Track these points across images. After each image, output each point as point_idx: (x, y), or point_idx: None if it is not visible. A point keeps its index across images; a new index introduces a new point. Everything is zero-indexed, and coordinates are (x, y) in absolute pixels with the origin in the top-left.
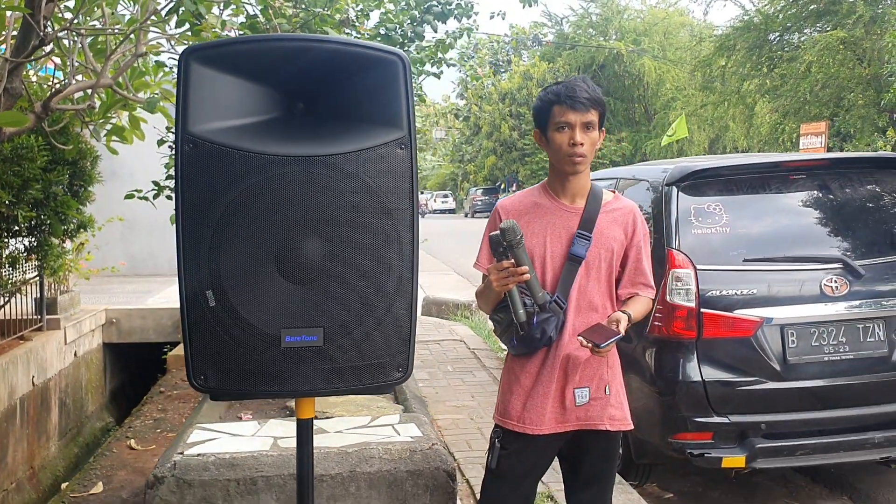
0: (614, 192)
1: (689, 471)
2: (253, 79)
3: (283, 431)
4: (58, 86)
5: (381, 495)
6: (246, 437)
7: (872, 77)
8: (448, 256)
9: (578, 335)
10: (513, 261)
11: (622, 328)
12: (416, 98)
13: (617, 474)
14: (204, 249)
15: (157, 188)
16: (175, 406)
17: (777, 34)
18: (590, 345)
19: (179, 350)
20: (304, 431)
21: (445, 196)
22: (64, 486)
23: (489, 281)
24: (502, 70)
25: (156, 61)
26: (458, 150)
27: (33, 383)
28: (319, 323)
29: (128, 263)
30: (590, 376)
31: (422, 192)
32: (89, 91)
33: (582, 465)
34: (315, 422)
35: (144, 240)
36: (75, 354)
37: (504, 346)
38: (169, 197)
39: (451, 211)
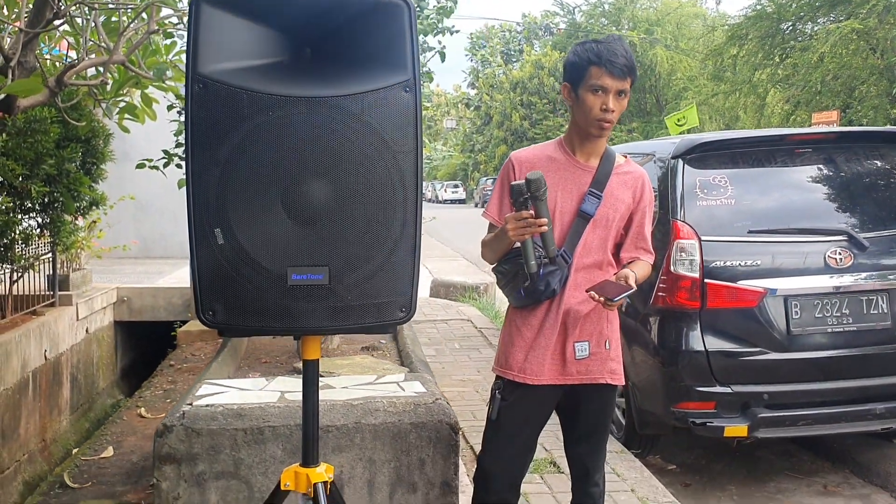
0: (626, 156)
1: (692, 443)
2: (261, 21)
3: (290, 387)
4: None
5: (385, 446)
6: (254, 391)
7: (885, 67)
8: (457, 243)
9: (588, 289)
10: (532, 212)
11: (632, 283)
12: (422, 76)
13: (620, 444)
14: (212, 188)
15: (167, 157)
16: (185, 378)
17: (790, 24)
18: (602, 299)
19: (189, 326)
20: (310, 371)
21: (456, 186)
22: (75, 450)
23: (500, 231)
24: (514, 59)
25: (169, 41)
26: (468, 139)
27: (45, 357)
28: (325, 262)
29: (139, 245)
30: (590, 331)
31: (433, 181)
32: (101, 68)
33: (580, 418)
34: (321, 379)
35: (156, 222)
36: (87, 331)
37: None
38: (179, 165)
39: (462, 201)
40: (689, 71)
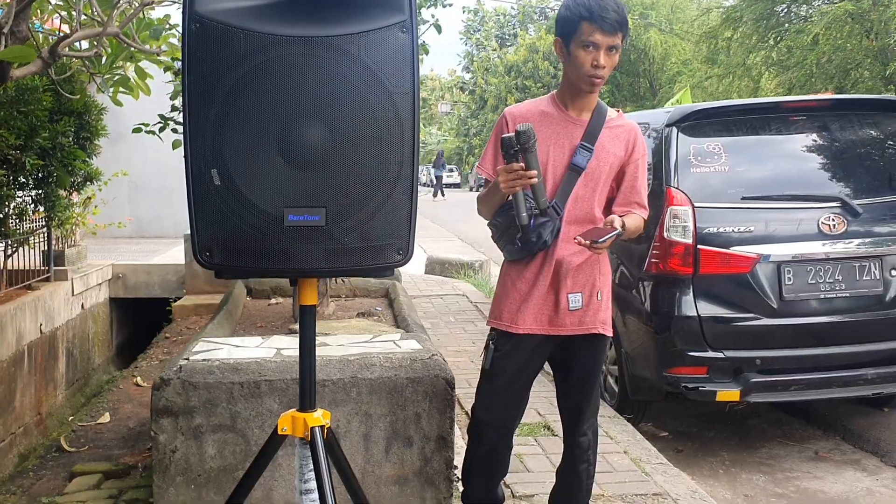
0: (619, 110)
1: (683, 412)
2: None
3: (286, 344)
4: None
5: (381, 401)
6: (250, 347)
7: (879, 50)
8: (452, 225)
9: (576, 236)
10: (523, 164)
11: (617, 226)
12: (419, 50)
13: (613, 409)
14: (208, 128)
15: (162, 121)
16: (180, 349)
17: (784, 6)
18: (587, 242)
19: (185, 300)
20: (307, 317)
21: (451, 170)
22: (70, 418)
23: (493, 184)
24: (508, 43)
25: (164, 15)
26: (463, 123)
27: (41, 331)
28: (322, 203)
29: (134, 225)
30: (583, 282)
31: (427, 165)
32: (95, 41)
33: (573, 368)
34: (318, 338)
35: (151, 202)
36: (82, 307)
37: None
38: (174, 130)
39: (457, 185)
40: (683, 55)
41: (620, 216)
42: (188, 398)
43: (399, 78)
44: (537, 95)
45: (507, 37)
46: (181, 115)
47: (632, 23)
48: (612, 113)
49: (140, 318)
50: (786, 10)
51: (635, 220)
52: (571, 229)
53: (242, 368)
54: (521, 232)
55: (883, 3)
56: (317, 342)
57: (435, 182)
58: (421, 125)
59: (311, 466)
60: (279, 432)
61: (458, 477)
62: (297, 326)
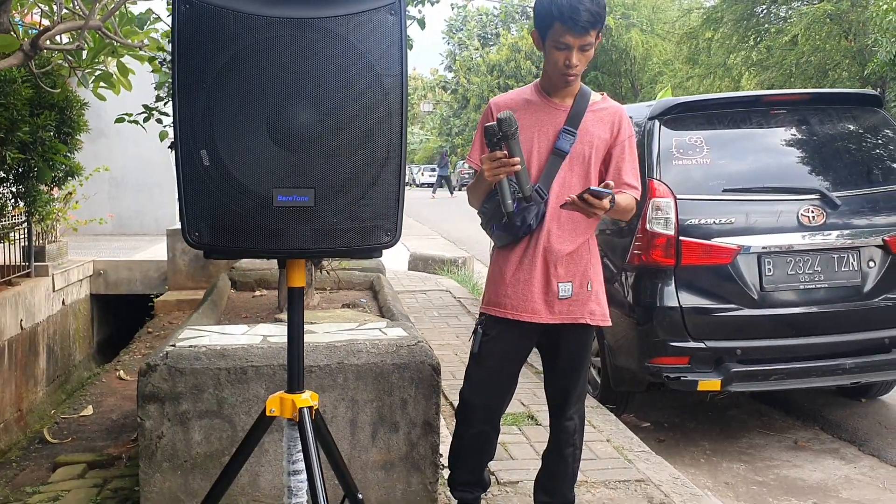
0: (603, 94)
1: (665, 403)
2: None
3: (272, 331)
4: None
5: (367, 386)
6: (236, 335)
7: (858, 50)
8: (435, 223)
9: (563, 205)
10: (506, 152)
11: (611, 192)
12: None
13: (596, 400)
14: (198, 109)
15: (147, 111)
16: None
17: (764, 7)
18: (573, 197)
19: (167, 296)
20: (295, 298)
21: (433, 169)
22: (53, 411)
23: (480, 173)
24: (491, 43)
25: (146, 9)
26: (445, 123)
27: (21, 326)
28: (311, 184)
29: (115, 221)
30: (573, 272)
31: (410, 165)
32: (76, 33)
33: (559, 355)
34: (305, 326)
35: (132, 198)
36: (63, 303)
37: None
38: (159, 120)
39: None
40: (664, 55)
41: None
42: (174, 384)
43: (387, 60)
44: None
45: (489, 36)
46: (166, 104)
47: (613, 23)
48: (595, 96)
49: (121, 315)
50: (765, 10)
51: (626, 198)
52: (556, 214)
53: (229, 354)
54: (507, 217)
55: (861, 4)
56: (304, 329)
57: (442, 182)
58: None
59: (300, 447)
60: (267, 413)
61: (444, 465)
62: (282, 315)
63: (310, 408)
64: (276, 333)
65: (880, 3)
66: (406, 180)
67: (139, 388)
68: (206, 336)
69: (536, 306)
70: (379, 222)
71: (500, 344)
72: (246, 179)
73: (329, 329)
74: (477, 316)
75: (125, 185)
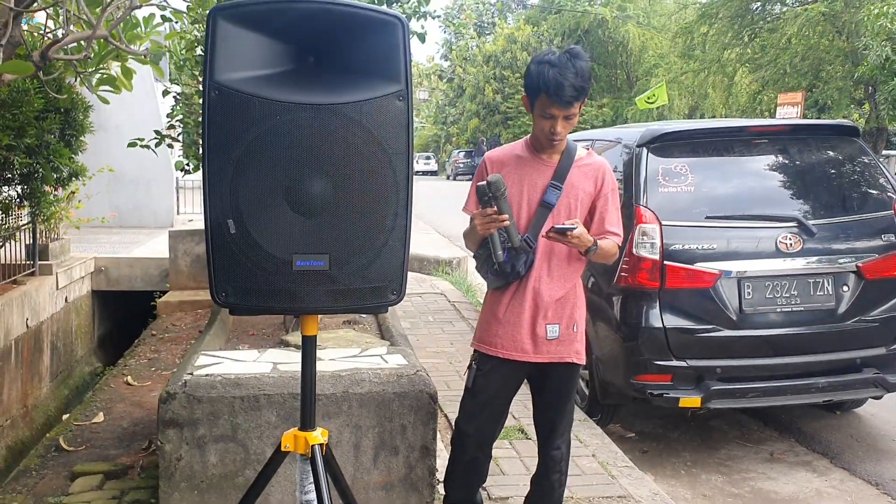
0: (588, 149)
1: (650, 413)
2: (271, 35)
3: (281, 358)
4: (49, 35)
5: (370, 413)
6: (248, 361)
7: (850, 50)
8: (430, 217)
9: (544, 233)
10: (496, 208)
11: (575, 224)
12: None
13: (584, 413)
14: (226, 184)
15: (159, 137)
16: (168, 347)
17: (759, 4)
18: (553, 234)
19: (169, 297)
20: (309, 346)
21: (428, 158)
22: (65, 416)
23: (475, 223)
24: (487, 32)
25: (149, 14)
26: (441, 111)
27: (27, 325)
28: (326, 250)
29: (116, 213)
30: (560, 314)
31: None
32: (83, 42)
33: (547, 391)
34: None
35: (130, 193)
36: (66, 300)
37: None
38: (170, 146)
39: (434, 173)
40: (659, 48)
41: None
42: (192, 411)
43: (396, 141)
44: (515, 85)
45: (485, 25)
46: (179, 135)
47: (609, 15)
48: (581, 152)
49: (122, 311)
50: (760, 7)
51: (608, 242)
52: (553, 263)
53: (243, 383)
54: (498, 266)
55: (854, 5)
56: (316, 343)
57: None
58: None
59: (311, 479)
60: (282, 449)
61: (440, 480)
62: (288, 338)
63: (321, 445)
64: (285, 360)
65: (871, 7)
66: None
67: (159, 413)
68: (221, 363)
69: (525, 346)
70: (386, 283)
71: (492, 379)
72: (268, 246)
73: (333, 356)
74: (470, 323)
75: (124, 180)
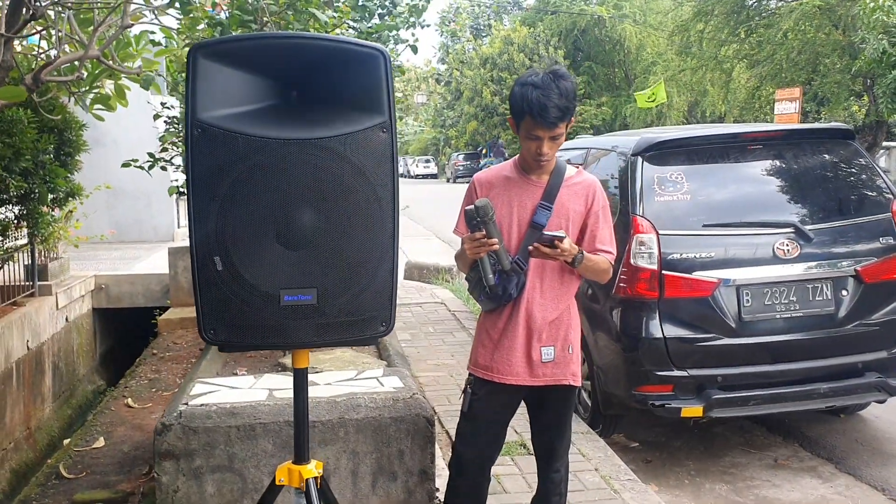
0: (578, 166)
1: (653, 422)
2: (253, 71)
3: (277, 384)
4: (43, 56)
5: (367, 439)
6: (244, 389)
7: (848, 43)
8: (430, 222)
9: (530, 247)
10: (484, 232)
11: (561, 234)
12: (394, 70)
13: (585, 424)
14: (211, 220)
15: (152, 160)
16: (168, 367)
17: (754, 0)
18: (535, 246)
19: (170, 314)
20: (300, 379)
21: (427, 161)
22: (66, 441)
23: (464, 247)
24: (483, 35)
25: (140, 31)
26: (439, 115)
27: (28, 347)
28: (313, 284)
29: (115, 231)
30: (555, 336)
31: (404, 156)
32: (76, 62)
33: (543, 413)
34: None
35: (129, 208)
36: (66, 319)
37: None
38: (164, 168)
39: (434, 176)
40: (657, 46)
41: None
42: (188, 442)
43: (381, 172)
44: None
45: (482, 28)
46: (172, 158)
47: (606, 13)
48: (570, 171)
49: (123, 328)
50: (755, 3)
51: (598, 258)
52: (536, 281)
53: (238, 412)
54: (489, 289)
55: None
56: (307, 376)
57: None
58: (398, 115)
59: None
60: (276, 483)
61: (441, 501)
62: (285, 361)
63: (315, 478)
64: (281, 387)
65: (867, 1)
66: (400, 171)
67: (155, 445)
68: (217, 391)
69: (520, 370)
70: (374, 314)
71: (488, 403)
72: (256, 281)
73: (329, 380)
74: (470, 333)
75: (122, 195)
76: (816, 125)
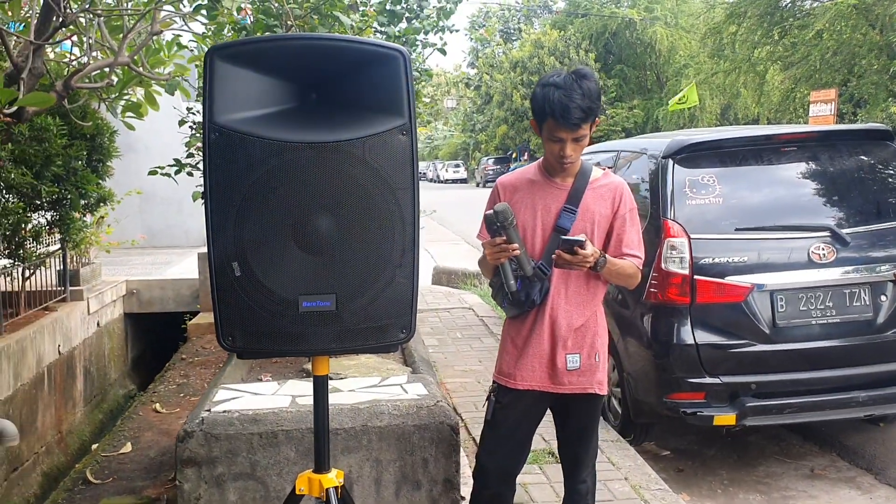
0: (605, 169)
1: (685, 430)
2: (270, 74)
3: (300, 390)
4: (74, 62)
5: (390, 447)
6: (266, 395)
7: (885, 43)
8: (459, 226)
9: (553, 255)
10: (505, 238)
11: (583, 238)
12: (423, 75)
13: (615, 432)
14: (229, 225)
15: (178, 165)
16: (197, 372)
17: (788, 0)
18: (563, 253)
19: (199, 319)
20: (320, 386)
21: (457, 166)
22: (94, 446)
23: (485, 253)
24: (513, 38)
25: (171, 37)
26: (469, 119)
27: (59, 352)
28: (332, 290)
29: (146, 236)
30: (581, 344)
31: (434, 161)
32: (107, 69)
33: (569, 423)
34: (330, 382)
35: (161, 212)
36: (98, 325)
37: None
38: (190, 174)
39: (464, 180)
40: (689, 48)
41: None
42: (210, 449)
43: (400, 175)
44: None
45: (511, 31)
46: (197, 163)
47: (637, 16)
48: (596, 173)
49: (154, 332)
50: (789, 4)
51: (624, 263)
52: (561, 287)
53: (261, 419)
54: (510, 296)
55: None
56: (330, 387)
57: None
58: (427, 120)
59: None
60: (297, 492)
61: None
62: (309, 366)
63: (336, 487)
64: (304, 393)
65: None
66: (430, 177)
67: (177, 452)
68: (240, 397)
69: (544, 377)
70: (394, 320)
71: (512, 411)
72: (274, 286)
73: (353, 386)
74: (498, 338)
75: (154, 199)
76: (853, 126)
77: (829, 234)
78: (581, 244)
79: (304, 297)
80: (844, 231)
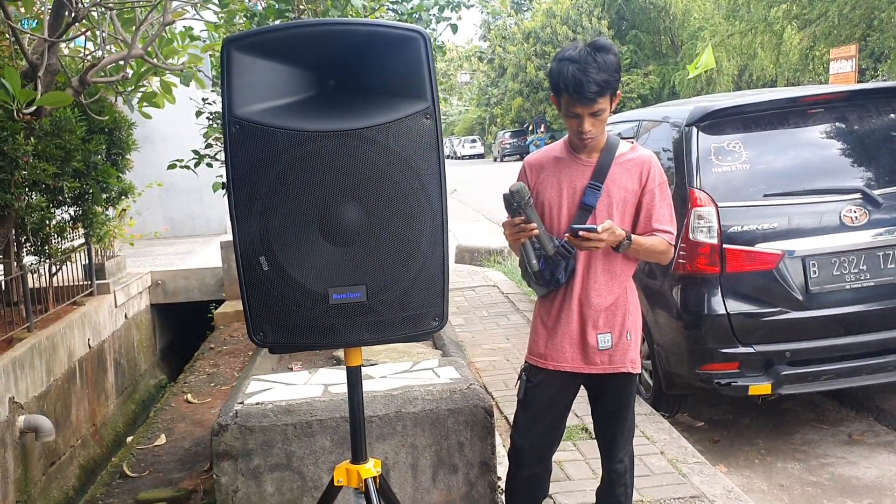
0: (633, 142)
1: (718, 400)
2: (289, 62)
3: (332, 379)
4: (89, 58)
5: (425, 432)
6: (299, 385)
7: None
8: (478, 204)
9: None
10: (523, 217)
11: (601, 227)
12: (435, 50)
13: (649, 405)
14: (255, 219)
15: (197, 157)
16: (226, 361)
17: None
18: (571, 236)
19: (225, 307)
20: (354, 377)
21: (473, 141)
22: (129, 439)
23: (505, 233)
24: (525, 9)
25: (183, 27)
26: (483, 93)
27: (89, 346)
28: (362, 281)
29: (168, 227)
30: (612, 323)
31: (450, 137)
32: (121, 62)
33: (604, 402)
34: (362, 369)
35: (182, 202)
36: (126, 316)
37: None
38: (209, 165)
39: (481, 156)
40: (703, 10)
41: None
42: (245, 441)
43: (426, 160)
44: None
45: (523, 2)
46: (217, 154)
47: None
48: (623, 147)
49: (181, 322)
50: None
51: (653, 239)
52: (589, 267)
53: (294, 410)
54: (534, 276)
55: None
56: (362, 374)
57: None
58: (441, 96)
59: None
60: (335, 484)
61: (503, 490)
62: (340, 354)
63: (374, 477)
64: (336, 381)
65: None
66: (447, 153)
67: (213, 446)
68: (272, 388)
69: (574, 357)
70: (426, 309)
71: (544, 390)
72: (303, 279)
73: (385, 372)
74: (525, 315)
75: (175, 190)
76: (881, 84)
77: (860, 195)
78: (591, 230)
79: (333, 289)
80: (876, 192)
